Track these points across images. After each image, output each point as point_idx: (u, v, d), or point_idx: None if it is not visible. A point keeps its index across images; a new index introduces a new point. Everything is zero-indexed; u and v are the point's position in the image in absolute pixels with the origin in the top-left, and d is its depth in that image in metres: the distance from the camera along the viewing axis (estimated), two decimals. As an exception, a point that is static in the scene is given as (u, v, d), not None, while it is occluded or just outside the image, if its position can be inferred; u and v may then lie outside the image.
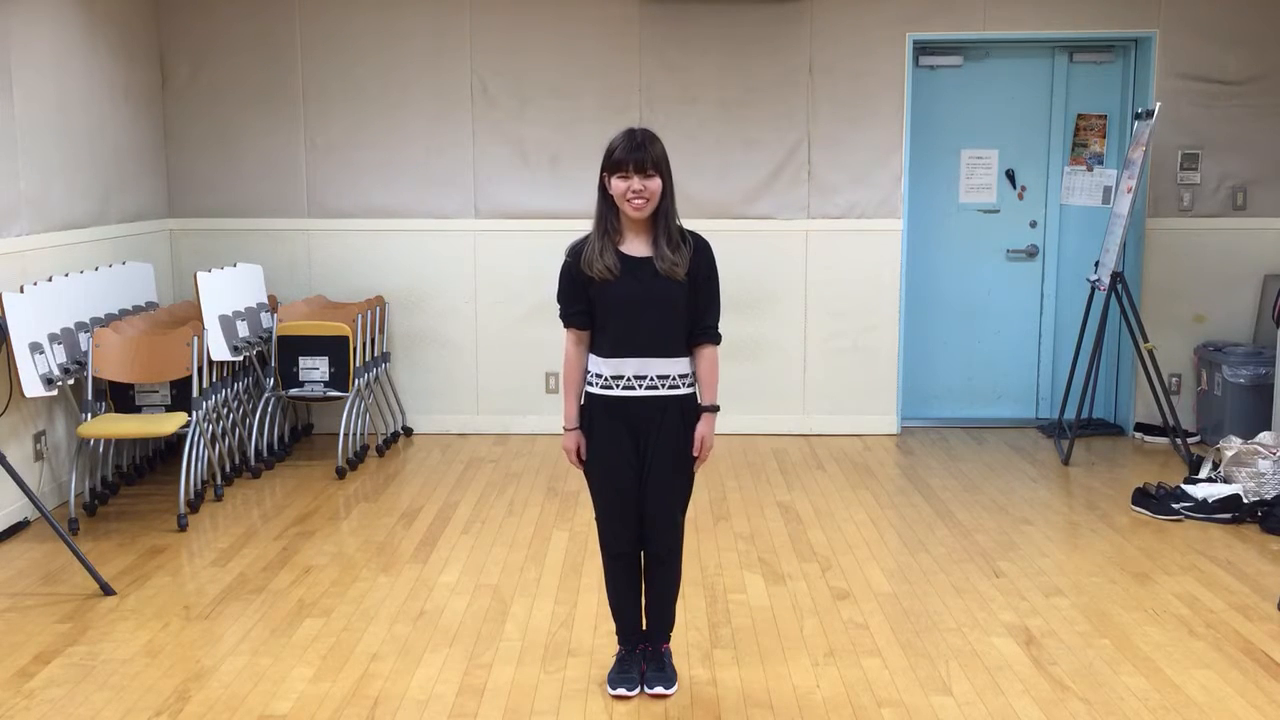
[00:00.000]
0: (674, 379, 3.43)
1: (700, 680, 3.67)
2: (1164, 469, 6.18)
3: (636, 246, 3.40)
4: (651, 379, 3.41)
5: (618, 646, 3.67)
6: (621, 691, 3.54)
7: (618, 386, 3.42)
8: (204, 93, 6.83)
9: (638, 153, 3.30)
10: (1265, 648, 3.89)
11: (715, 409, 3.50)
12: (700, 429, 3.48)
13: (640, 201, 3.32)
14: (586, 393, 3.50)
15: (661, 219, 3.38)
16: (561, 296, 3.48)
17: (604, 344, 3.43)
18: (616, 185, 3.34)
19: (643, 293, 3.36)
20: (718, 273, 3.48)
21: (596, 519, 3.58)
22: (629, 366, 3.40)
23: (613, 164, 3.34)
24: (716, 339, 3.48)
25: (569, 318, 3.47)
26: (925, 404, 7.25)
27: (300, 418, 6.96)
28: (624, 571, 3.58)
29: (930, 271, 7.12)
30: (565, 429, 3.53)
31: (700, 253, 3.43)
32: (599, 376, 3.45)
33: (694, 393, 3.50)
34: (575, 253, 3.43)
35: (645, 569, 3.59)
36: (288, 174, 6.89)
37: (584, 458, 3.52)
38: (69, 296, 5.50)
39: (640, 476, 3.46)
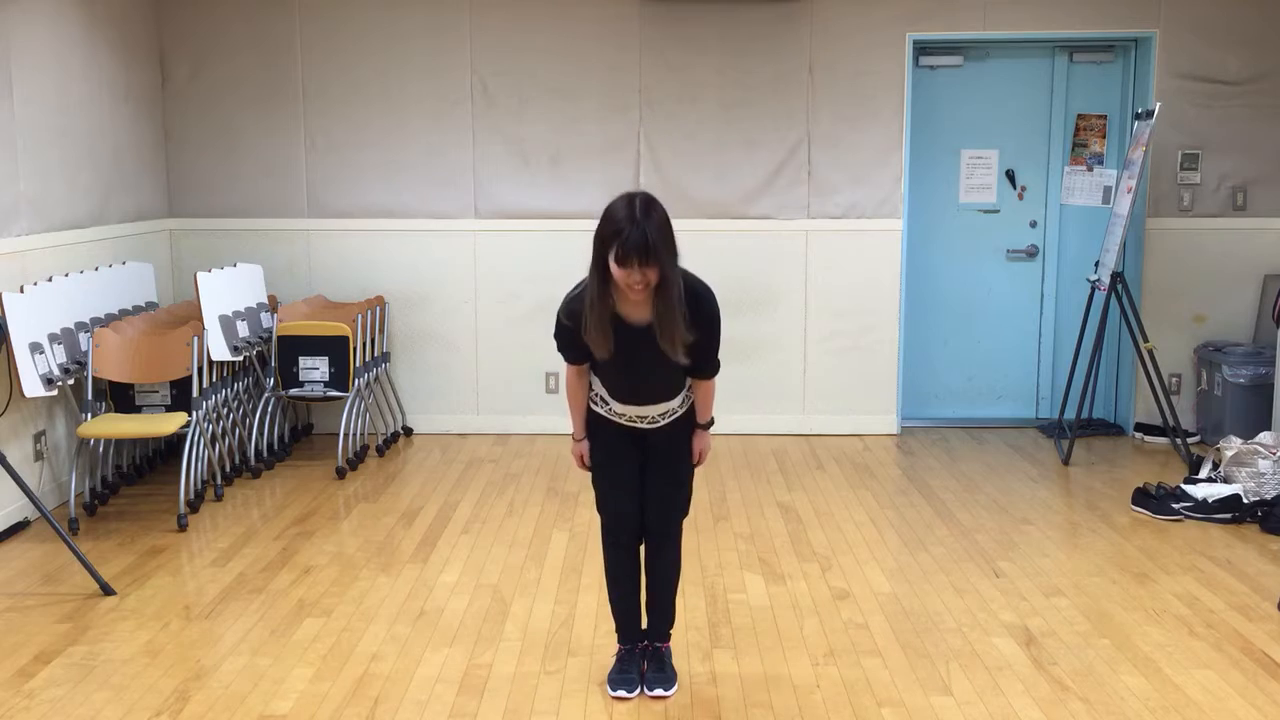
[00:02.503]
0: (673, 409, 3.50)
1: (700, 680, 3.67)
2: (1164, 469, 6.18)
3: (636, 312, 3.29)
4: (652, 417, 3.49)
5: (618, 645, 3.68)
6: (621, 693, 3.54)
7: (621, 420, 3.50)
8: (204, 93, 6.83)
9: (640, 253, 3.11)
10: (1265, 648, 3.89)
11: (710, 424, 3.60)
12: (696, 443, 3.59)
13: (641, 288, 3.20)
14: (590, 410, 3.55)
15: (662, 289, 3.21)
16: (559, 345, 3.45)
17: (604, 386, 3.48)
18: (616, 271, 3.17)
19: (641, 358, 3.34)
20: (719, 321, 3.37)
21: (597, 502, 3.61)
22: (630, 410, 3.47)
23: (615, 257, 3.14)
24: (714, 375, 3.51)
25: (569, 357, 3.46)
26: (925, 404, 7.25)
27: (300, 418, 6.96)
28: (624, 562, 3.60)
29: (930, 271, 7.11)
30: (575, 439, 3.62)
31: (698, 309, 3.30)
32: (604, 401, 3.50)
33: (693, 408, 3.56)
34: (573, 316, 3.31)
35: (645, 557, 3.62)
36: (288, 174, 6.89)
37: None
38: (69, 296, 5.50)
39: (642, 466, 3.54)
